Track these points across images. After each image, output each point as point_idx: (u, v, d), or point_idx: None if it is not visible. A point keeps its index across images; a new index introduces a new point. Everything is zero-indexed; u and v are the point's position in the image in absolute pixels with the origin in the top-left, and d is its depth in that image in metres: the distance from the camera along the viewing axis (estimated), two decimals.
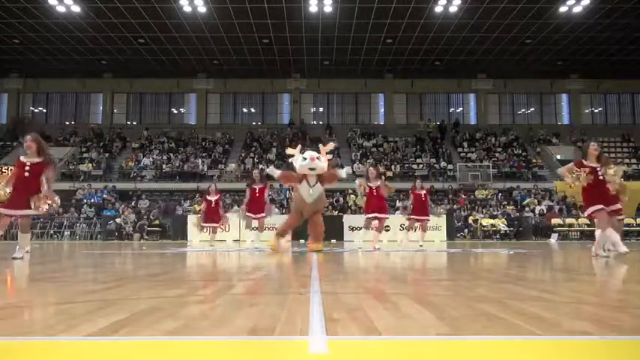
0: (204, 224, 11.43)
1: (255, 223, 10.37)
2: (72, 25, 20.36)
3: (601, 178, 6.54)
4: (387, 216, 9.76)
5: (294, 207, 8.42)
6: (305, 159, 7.95)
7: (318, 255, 7.24)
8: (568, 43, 22.37)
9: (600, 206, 6.44)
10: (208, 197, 11.26)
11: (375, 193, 9.37)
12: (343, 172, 8.40)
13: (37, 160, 6.01)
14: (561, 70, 26.02)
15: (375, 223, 9.58)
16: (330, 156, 8.53)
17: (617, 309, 2.28)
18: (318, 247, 8.11)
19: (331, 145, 8.53)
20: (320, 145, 8.33)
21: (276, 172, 8.47)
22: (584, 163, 6.58)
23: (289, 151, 8.48)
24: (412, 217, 10.94)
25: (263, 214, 10.29)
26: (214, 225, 11.32)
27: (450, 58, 24.05)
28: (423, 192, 11.02)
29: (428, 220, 11.32)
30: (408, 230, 11.45)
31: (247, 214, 10.29)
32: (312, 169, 7.93)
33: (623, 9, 18.84)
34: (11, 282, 3.77)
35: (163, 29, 20.79)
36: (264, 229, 10.83)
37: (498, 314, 2.01)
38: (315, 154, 8.08)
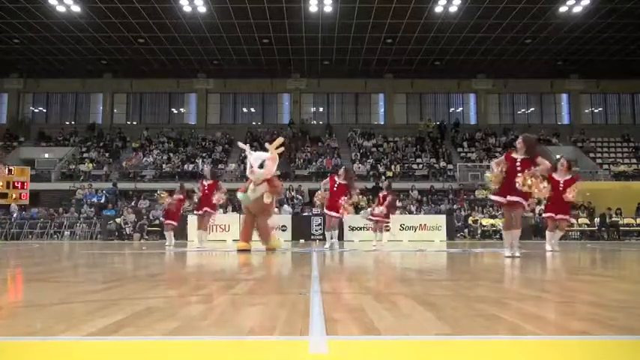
0: (165, 221, 12.06)
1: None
2: (72, 25, 20.36)
3: (519, 168, 6.37)
4: (338, 215, 9.90)
5: (244, 206, 8.70)
6: (251, 167, 8.11)
7: (319, 255, 7.24)
8: (568, 43, 22.35)
9: (502, 198, 6.45)
10: (175, 195, 11.72)
11: (335, 189, 9.62)
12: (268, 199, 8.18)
13: None
14: (561, 70, 26.00)
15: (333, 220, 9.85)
16: (280, 150, 8.25)
17: (616, 309, 2.28)
18: (270, 245, 8.28)
19: (279, 141, 8.26)
20: (267, 144, 8.30)
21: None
22: (512, 155, 6.55)
23: (240, 145, 8.64)
24: (371, 217, 11.46)
25: (206, 210, 10.72)
26: (172, 223, 11.76)
27: (450, 58, 24.03)
28: (384, 193, 11.29)
29: (384, 220, 11.38)
30: (374, 231, 11.51)
31: (196, 212, 10.90)
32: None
33: (623, 9, 18.83)
34: (11, 282, 3.77)
35: (163, 29, 20.78)
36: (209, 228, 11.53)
37: (498, 314, 2.01)
38: (261, 157, 8.04)
